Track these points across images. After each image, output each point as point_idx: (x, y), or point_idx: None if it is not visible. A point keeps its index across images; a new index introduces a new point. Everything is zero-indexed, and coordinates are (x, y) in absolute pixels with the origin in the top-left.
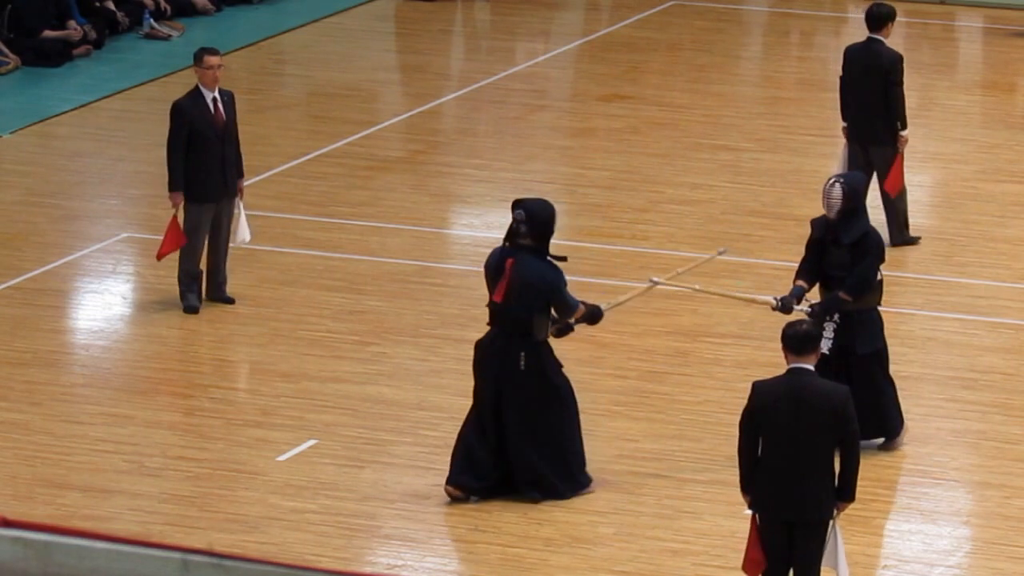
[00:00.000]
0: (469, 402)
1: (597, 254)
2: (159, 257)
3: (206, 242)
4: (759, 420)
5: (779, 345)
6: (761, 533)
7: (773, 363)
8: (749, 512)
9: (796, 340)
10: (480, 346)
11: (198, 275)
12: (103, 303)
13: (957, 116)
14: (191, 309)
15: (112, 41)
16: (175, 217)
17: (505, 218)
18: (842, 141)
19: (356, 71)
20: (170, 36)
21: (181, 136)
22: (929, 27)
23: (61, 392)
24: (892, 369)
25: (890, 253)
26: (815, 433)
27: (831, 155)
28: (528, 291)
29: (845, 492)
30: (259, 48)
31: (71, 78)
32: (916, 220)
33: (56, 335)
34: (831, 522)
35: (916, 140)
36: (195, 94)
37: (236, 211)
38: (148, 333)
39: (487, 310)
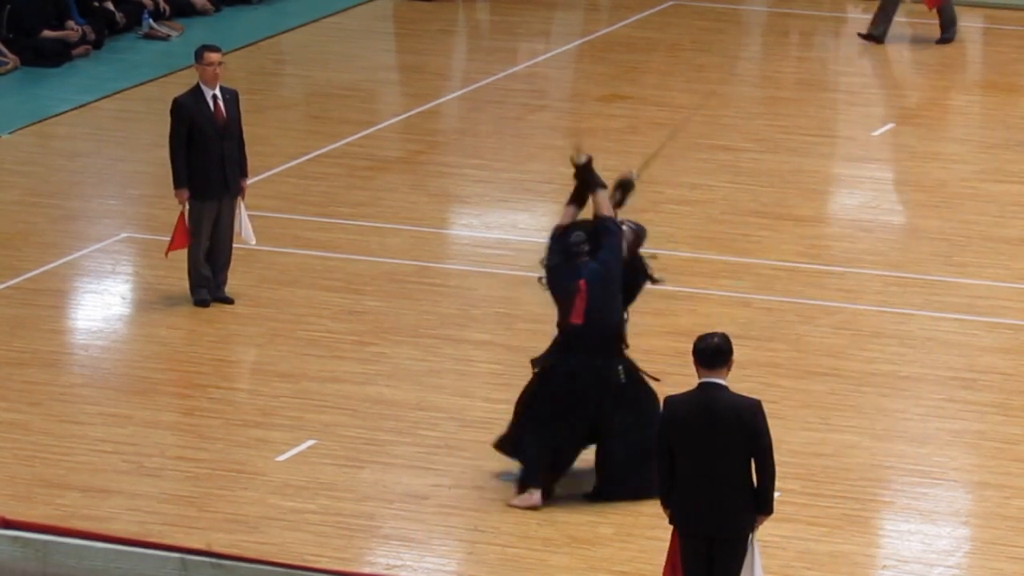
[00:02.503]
0: (469, 402)
1: None
2: (167, 253)
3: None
4: (671, 435)
5: (777, 345)
6: (681, 548)
7: (772, 363)
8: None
9: (707, 354)
10: (568, 375)
11: (205, 271)
12: (102, 303)
13: (957, 116)
14: (201, 303)
15: (111, 41)
16: (182, 214)
17: (505, 218)
18: None
19: (356, 71)
20: (169, 36)
21: (182, 133)
22: (929, 27)
23: (60, 392)
24: (891, 369)
25: (889, 254)
26: (727, 447)
27: (831, 155)
28: (608, 302)
29: (762, 505)
30: (258, 48)
31: (70, 78)
32: (915, 220)
33: (55, 335)
34: (751, 536)
35: (916, 140)
36: (196, 91)
37: (238, 210)
38: (148, 333)
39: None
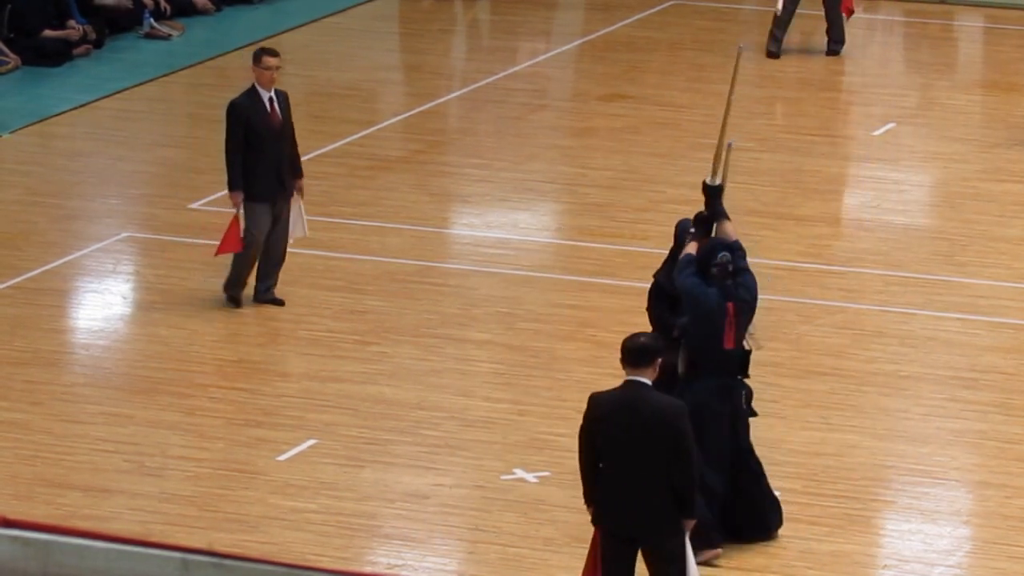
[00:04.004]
0: (470, 401)
1: (597, 254)
2: (216, 254)
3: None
4: (594, 432)
5: (778, 345)
6: (602, 548)
7: (773, 363)
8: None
9: (633, 353)
10: (706, 401)
11: (245, 280)
12: (103, 303)
13: (957, 116)
14: (234, 301)
15: (112, 41)
16: (235, 217)
17: (506, 217)
18: None
19: (356, 71)
20: (170, 36)
21: (238, 135)
22: (929, 27)
23: (61, 392)
24: (892, 368)
25: (890, 253)
26: (649, 447)
27: (831, 154)
28: (745, 322)
29: (683, 508)
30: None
31: (71, 78)
32: (916, 219)
33: (56, 335)
34: (684, 539)
35: (916, 139)
36: (251, 93)
37: (295, 208)
38: (148, 333)
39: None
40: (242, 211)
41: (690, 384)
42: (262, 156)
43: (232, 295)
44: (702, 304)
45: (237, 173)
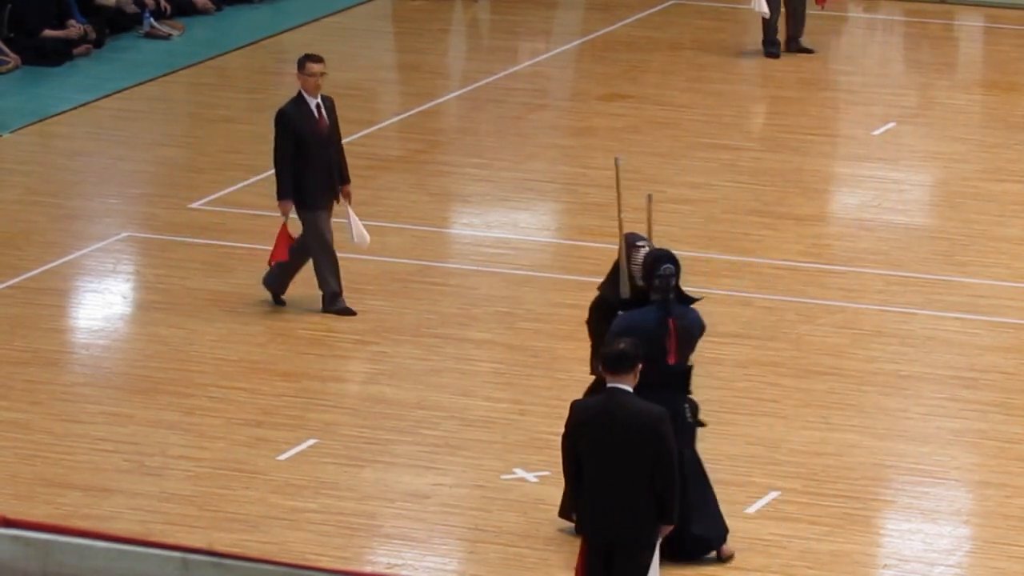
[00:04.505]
0: (470, 401)
1: (597, 253)
2: (270, 263)
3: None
4: (576, 440)
5: (778, 344)
6: (588, 559)
7: (773, 362)
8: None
9: (612, 360)
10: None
11: (285, 286)
12: (103, 302)
13: (957, 115)
14: (279, 302)
15: (112, 40)
16: (284, 225)
17: (506, 217)
18: None
19: (356, 70)
20: (170, 35)
21: (288, 143)
22: (929, 27)
23: (61, 391)
24: (892, 368)
25: (890, 253)
26: (630, 454)
27: (832, 154)
28: (692, 342)
29: (664, 515)
30: (259, 47)
31: (71, 77)
32: (916, 219)
33: (56, 334)
34: (656, 545)
35: (916, 139)
36: (298, 101)
37: (351, 217)
38: (148, 333)
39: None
40: (291, 219)
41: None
42: (312, 163)
43: (276, 301)
44: (642, 331)
45: (287, 182)
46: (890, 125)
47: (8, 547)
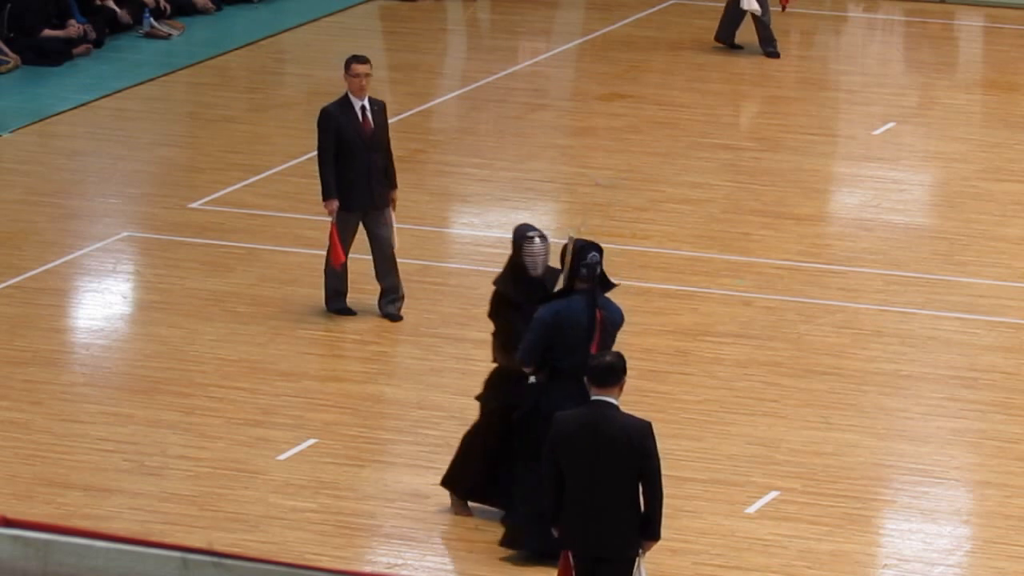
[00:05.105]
0: (470, 401)
1: None
2: (337, 266)
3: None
4: (560, 452)
5: (778, 344)
6: (569, 569)
7: (773, 362)
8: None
9: (598, 372)
10: (563, 405)
11: (342, 287)
12: (103, 302)
13: (957, 115)
14: (338, 311)
15: (112, 40)
16: (334, 225)
17: (505, 217)
18: None
19: None
20: (170, 35)
21: (329, 143)
22: (929, 26)
23: (61, 391)
24: (892, 368)
25: (890, 253)
26: (614, 467)
27: (831, 154)
28: (614, 333)
29: (649, 530)
30: (259, 47)
31: (71, 77)
32: (916, 219)
33: (56, 334)
34: (637, 560)
35: (916, 139)
36: (343, 102)
37: (389, 220)
38: (148, 332)
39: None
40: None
41: (548, 389)
42: (351, 165)
43: (333, 308)
44: (570, 320)
45: (329, 181)
46: (890, 125)
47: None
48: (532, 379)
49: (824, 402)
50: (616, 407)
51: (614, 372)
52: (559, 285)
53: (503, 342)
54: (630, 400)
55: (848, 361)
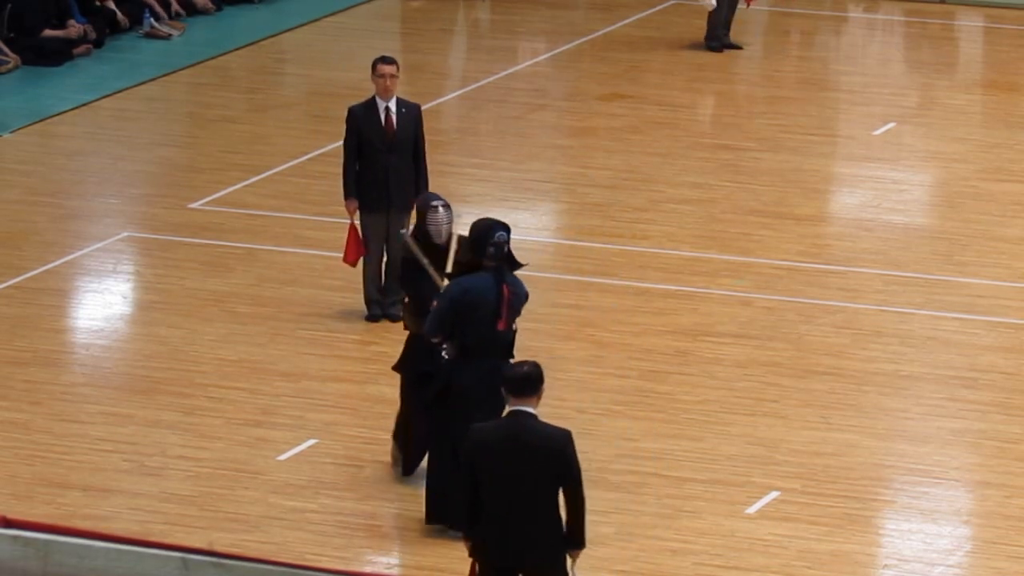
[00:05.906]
0: None
1: (597, 253)
2: (353, 264)
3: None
4: (477, 463)
5: (778, 344)
6: None
7: (773, 362)
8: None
9: (516, 382)
10: (473, 384)
11: (378, 285)
12: (103, 302)
13: (957, 115)
14: (371, 318)
15: (112, 40)
16: (352, 225)
17: (506, 217)
18: None
19: (357, 70)
20: (170, 35)
21: (351, 143)
22: (929, 27)
23: (61, 391)
24: (892, 368)
25: (890, 253)
26: (534, 477)
27: (831, 154)
28: (519, 308)
29: (573, 539)
30: (259, 47)
31: (71, 77)
32: (916, 219)
33: (56, 334)
34: (569, 571)
35: (916, 139)
36: (369, 102)
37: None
38: (148, 333)
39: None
40: (357, 218)
41: (459, 366)
42: (369, 166)
43: (369, 315)
44: (478, 296)
45: (349, 181)
46: (890, 125)
47: (8, 547)
48: (444, 355)
49: (824, 402)
50: (535, 416)
51: (531, 382)
52: (449, 267)
53: (413, 309)
54: (631, 400)
55: (848, 361)
